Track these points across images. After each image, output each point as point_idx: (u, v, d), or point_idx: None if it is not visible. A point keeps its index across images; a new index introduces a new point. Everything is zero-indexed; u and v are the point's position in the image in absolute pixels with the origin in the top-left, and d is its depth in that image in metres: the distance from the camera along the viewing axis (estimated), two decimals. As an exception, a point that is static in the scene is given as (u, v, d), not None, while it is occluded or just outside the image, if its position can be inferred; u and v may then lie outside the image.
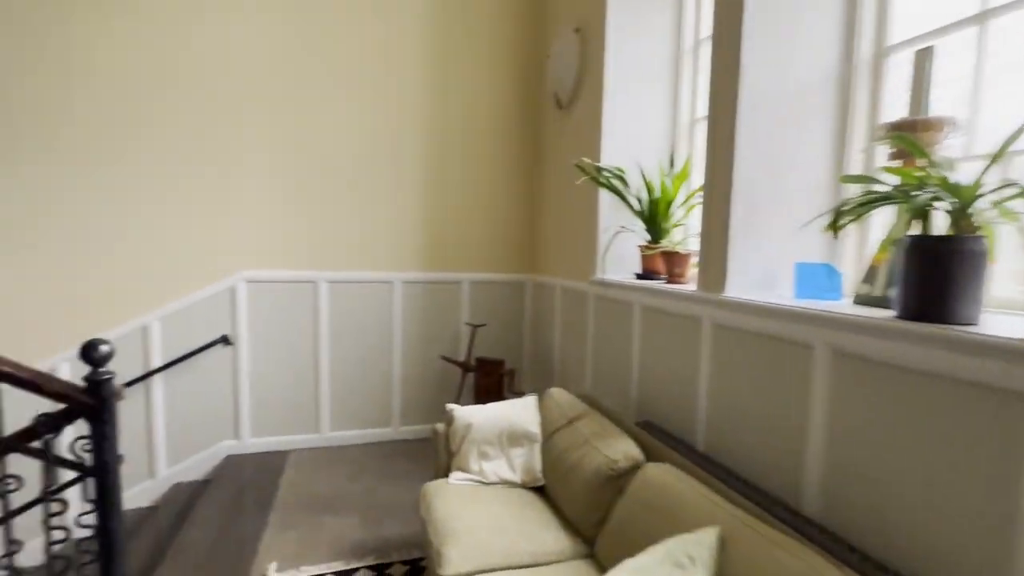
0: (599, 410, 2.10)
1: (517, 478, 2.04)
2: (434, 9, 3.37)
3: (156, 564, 2.15)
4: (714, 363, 1.75)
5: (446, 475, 2.10)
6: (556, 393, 2.29)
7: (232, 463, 3.08)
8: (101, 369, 1.45)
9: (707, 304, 1.76)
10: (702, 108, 2.45)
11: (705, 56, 2.46)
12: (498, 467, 2.05)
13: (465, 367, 3.31)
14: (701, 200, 1.87)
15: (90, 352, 1.42)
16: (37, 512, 1.52)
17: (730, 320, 1.67)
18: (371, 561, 2.15)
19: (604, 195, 2.64)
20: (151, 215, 2.97)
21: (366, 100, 3.30)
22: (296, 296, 3.25)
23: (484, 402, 3.05)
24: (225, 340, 3.09)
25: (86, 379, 1.45)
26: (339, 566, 2.11)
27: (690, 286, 2.00)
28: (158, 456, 3.03)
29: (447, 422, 2.19)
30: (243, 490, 2.75)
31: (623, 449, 1.72)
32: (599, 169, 2.55)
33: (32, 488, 1.51)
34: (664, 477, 1.55)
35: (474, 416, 2.12)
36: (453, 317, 3.60)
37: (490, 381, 3.19)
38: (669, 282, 2.12)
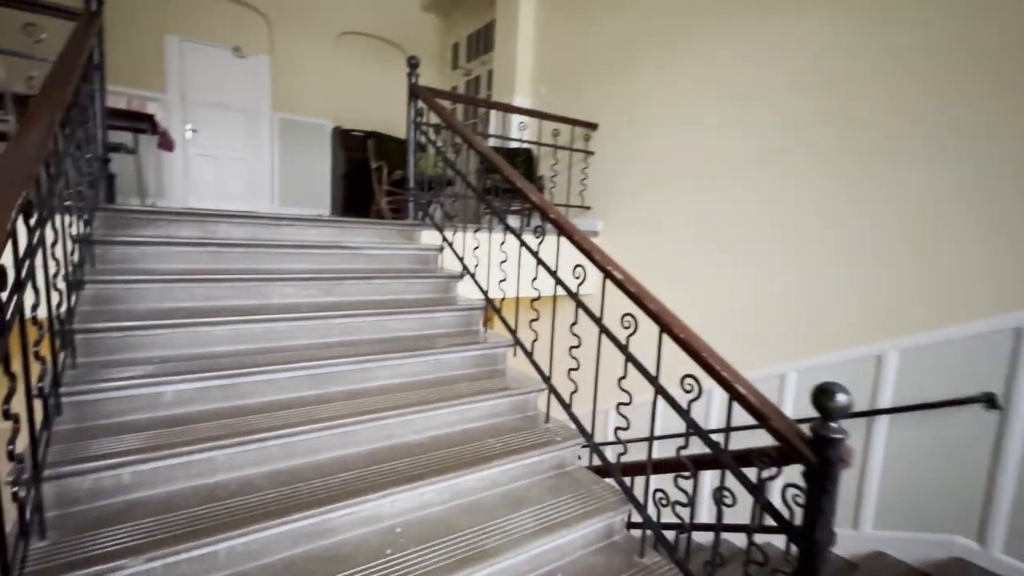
0: None
1: None
2: None
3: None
4: None
5: None
6: None
7: (961, 571, 2.17)
8: (831, 424, 1.11)
9: None
10: None
11: None
12: None
13: None
14: None
15: (822, 398, 1.10)
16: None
17: None
18: None
19: None
20: (911, 225, 2.41)
21: None
22: None
23: None
24: (990, 401, 2.15)
25: (812, 429, 1.15)
26: None
27: None
28: (865, 507, 2.56)
29: None
30: (977, 629, 1.85)
31: None
32: None
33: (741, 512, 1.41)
34: None
35: None
36: None
37: None
38: None
